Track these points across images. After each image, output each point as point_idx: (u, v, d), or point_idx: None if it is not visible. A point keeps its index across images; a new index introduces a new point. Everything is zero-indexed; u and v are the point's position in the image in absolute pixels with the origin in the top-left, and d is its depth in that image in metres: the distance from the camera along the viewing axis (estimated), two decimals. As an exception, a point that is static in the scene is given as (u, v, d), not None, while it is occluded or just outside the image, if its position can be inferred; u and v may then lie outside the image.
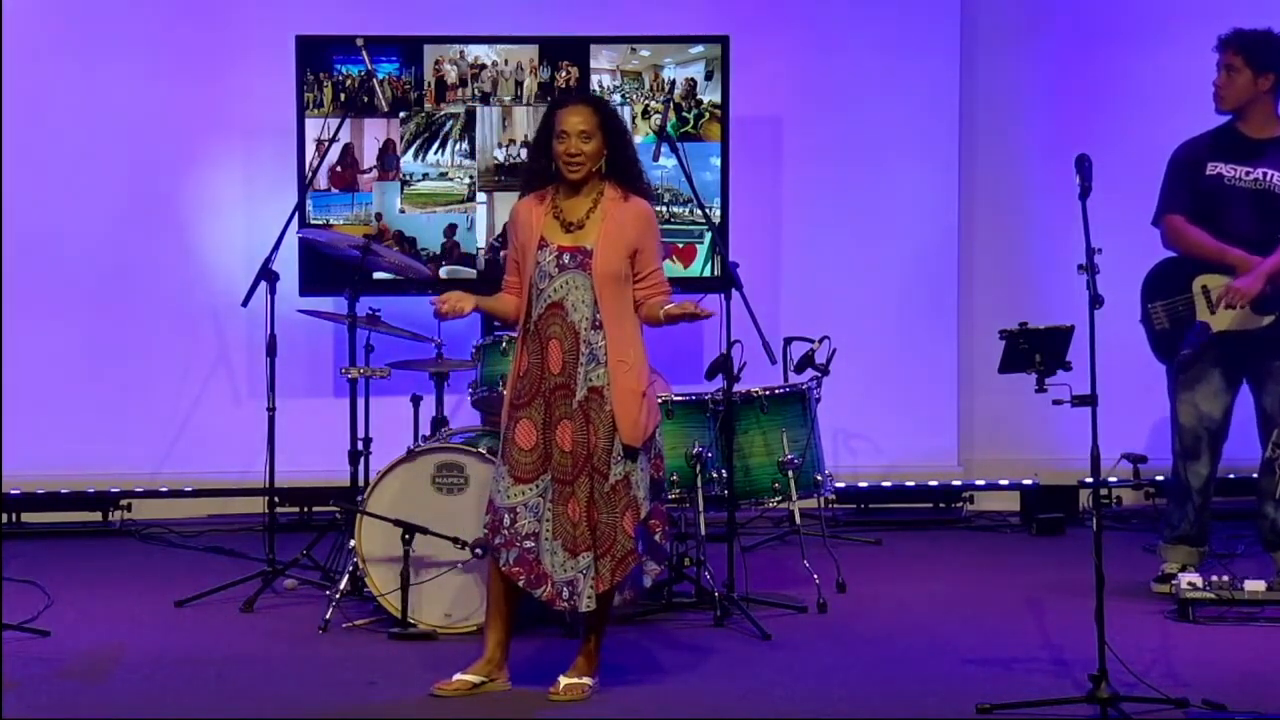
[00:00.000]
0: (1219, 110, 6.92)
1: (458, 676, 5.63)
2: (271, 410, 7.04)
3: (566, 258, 5.50)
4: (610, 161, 5.54)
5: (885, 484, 8.78)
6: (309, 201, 8.10)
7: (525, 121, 8.13)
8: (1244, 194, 6.85)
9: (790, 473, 6.79)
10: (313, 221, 8.13)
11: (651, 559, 5.66)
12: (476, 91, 8.17)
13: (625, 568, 5.51)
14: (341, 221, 8.18)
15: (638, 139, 8.11)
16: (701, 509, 6.61)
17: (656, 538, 5.63)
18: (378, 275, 7.83)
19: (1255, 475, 6.97)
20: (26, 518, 8.42)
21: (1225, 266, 6.81)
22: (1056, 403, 5.48)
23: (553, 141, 5.52)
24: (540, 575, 5.51)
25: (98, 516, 8.47)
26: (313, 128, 8.09)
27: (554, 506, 5.50)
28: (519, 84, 8.19)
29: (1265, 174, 6.84)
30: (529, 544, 5.50)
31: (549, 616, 6.09)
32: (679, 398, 6.76)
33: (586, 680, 5.59)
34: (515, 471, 5.52)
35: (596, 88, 8.18)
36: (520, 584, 5.52)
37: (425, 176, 8.21)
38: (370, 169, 8.21)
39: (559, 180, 5.56)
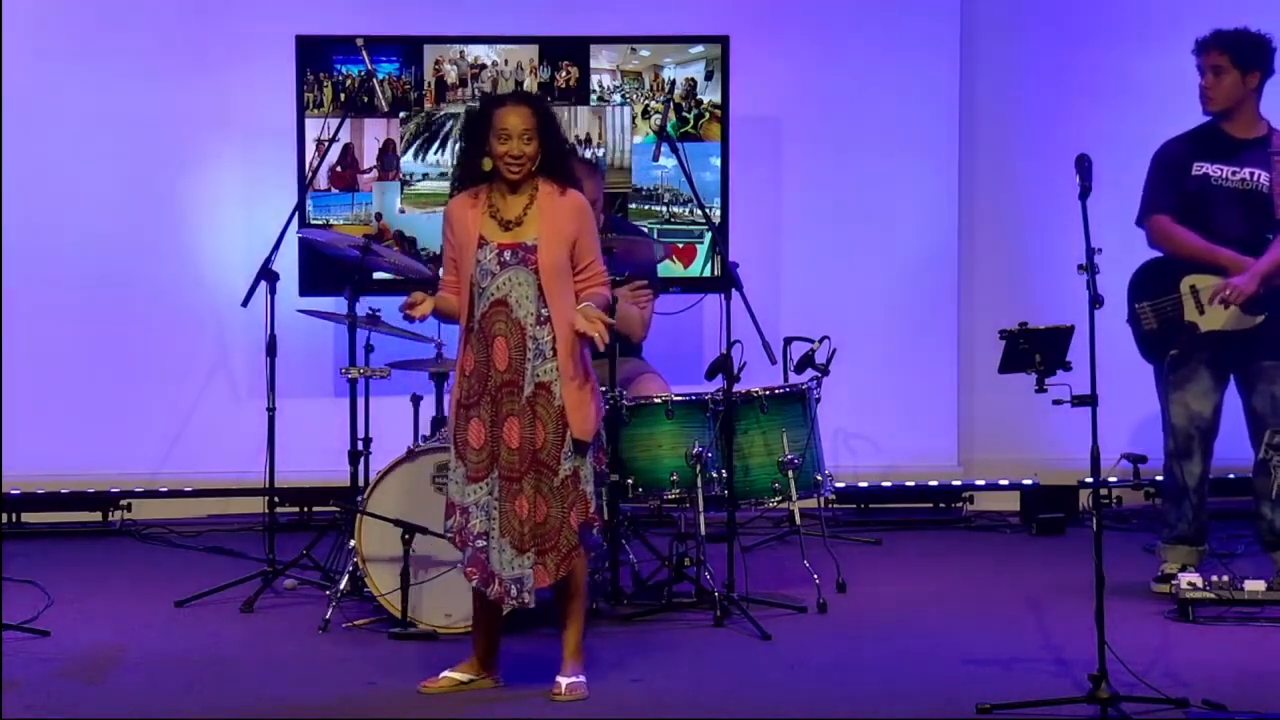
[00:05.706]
0: (1207, 112, 6.91)
1: (445, 674, 5.65)
2: (271, 410, 7.04)
3: (508, 254, 5.49)
4: (544, 158, 5.54)
5: (885, 484, 8.77)
6: (309, 201, 8.10)
7: (525, 121, 8.11)
8: (1231, 194, 6.84)
9: (790, 473, 6.78)
10: (313, 221, 8.13)
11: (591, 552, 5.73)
12: (476, 92, 8.15)
13: (569, 564, 5.51)
14: (341, 221, 8.18)
15: (637, 139, 8.17)
16: (701, 509, 6.60)
17: (594, 531, 5.66)
18: (378, 275, 7.83)
19: (1251, 475, 6.97)
20: (26, 518, 8.42)
21: (1216, 267, 6.79)
22: (1056, 403, 5.47)
23: (491, 140, 5.50)
24: (490, 574, 5.52)
25: (98, 516, 8.46)
26: (313, 128, 8.09)
27: (501, 504, 5.50)
28: (519, 84, 8.18)
29: (1252, 174, 6.83)
30: (480, 543, 5.52)
31: (549, 617, 6.08)
32: (679, 398, 6.75)
33: (583, 678, 5.59)
34: (470, 470, 5.53)
35: (596, 88, 8.18)
36: (474, 584, 5.54)
37: (425, 176, 8.20)
38: (370, 169, 8.21)
39: (492, 178, 5.55)
